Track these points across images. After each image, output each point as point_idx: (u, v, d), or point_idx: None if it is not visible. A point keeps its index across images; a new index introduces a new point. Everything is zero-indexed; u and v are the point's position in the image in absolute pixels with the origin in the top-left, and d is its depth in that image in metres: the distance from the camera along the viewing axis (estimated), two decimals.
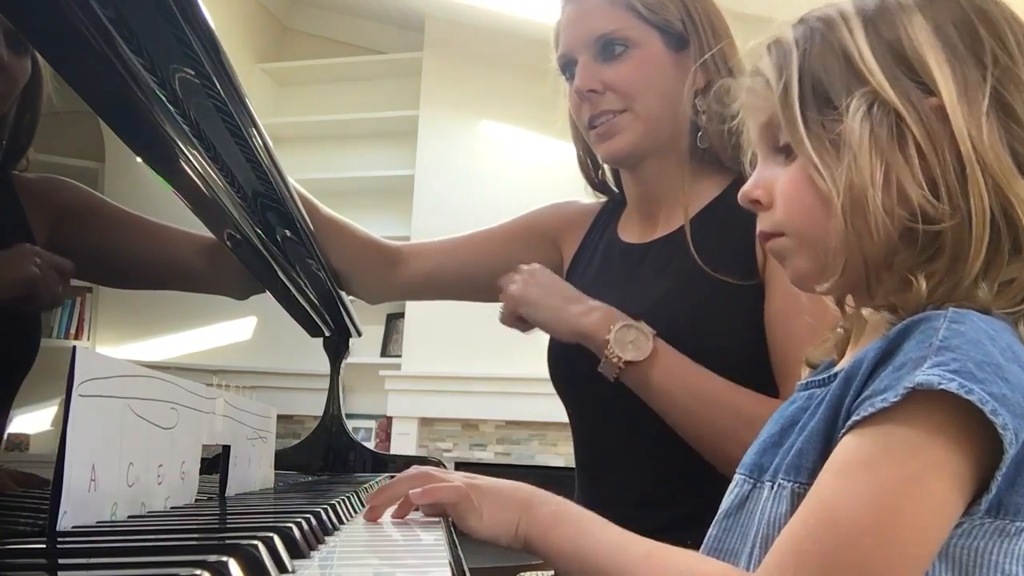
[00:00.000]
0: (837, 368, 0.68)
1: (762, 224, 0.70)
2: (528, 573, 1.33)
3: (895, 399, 0.54)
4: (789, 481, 0.63)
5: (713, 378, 1.00)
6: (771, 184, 0.69)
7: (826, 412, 0.61)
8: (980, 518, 0.56)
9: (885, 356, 0.58)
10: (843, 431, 0.58)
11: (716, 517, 0.71)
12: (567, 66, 1.17)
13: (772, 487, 0.65)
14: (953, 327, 0.56)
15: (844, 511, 0.54)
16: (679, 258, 1.08)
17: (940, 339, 0.55)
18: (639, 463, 1.10)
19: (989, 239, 0.60)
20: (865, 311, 0.67)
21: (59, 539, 0.54)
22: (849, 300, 0.70)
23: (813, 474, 0.60)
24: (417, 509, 0.78)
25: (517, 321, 1.13)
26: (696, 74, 1.09)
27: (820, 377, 0.69)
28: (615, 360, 1.00)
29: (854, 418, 0.57)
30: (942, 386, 0.53)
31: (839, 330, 0.71)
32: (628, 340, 1.01)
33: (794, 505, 0.61)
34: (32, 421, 0.68)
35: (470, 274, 1.36)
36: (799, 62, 0.66)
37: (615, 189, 1.28)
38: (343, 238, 1.34)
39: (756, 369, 1.01)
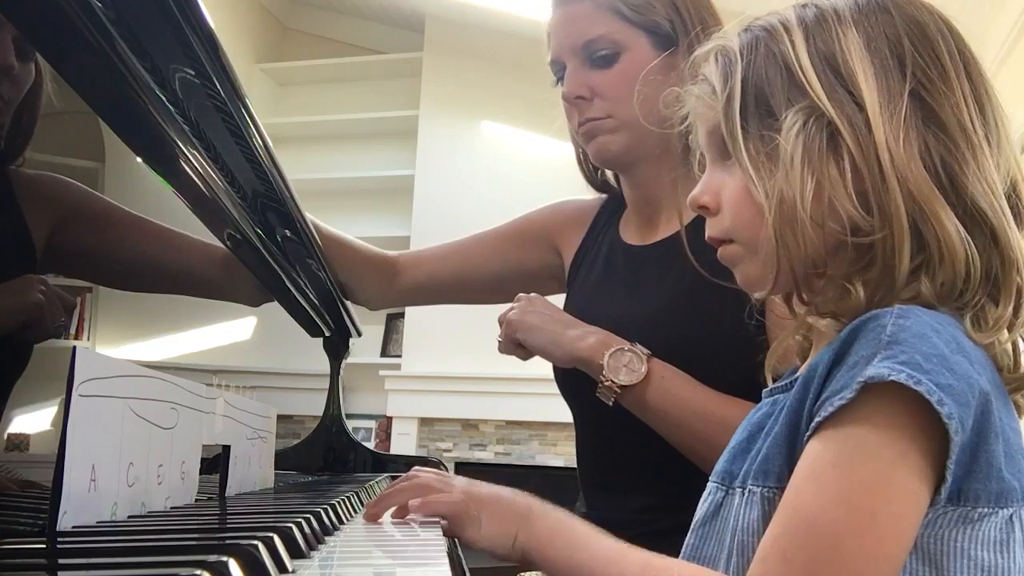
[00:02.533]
0: (798, 374, 0.68)
1: (711, 230, 0.71)
2: (528, 573, 1.33)
3: (851, 395, 0.56)
4: (758, 486, 0.64)
5: (708, 393, 1.01)
6: (718, 190, 0.70)
7: (788, 417, 0.62)
8: (943, 507, 0.57)
9: (839, 357, 0.59)
10: (807, 434, 0.59)
11: (692, 525, 0.72)
12: (557, 71, 1.17)
13: (743, 493, 0.65)
14: (900, 322, 0.58)
15: (823, 516, 0.55)
16: (680, 263, 1.08)
17: (888, 334, 0.57)
18: (643, 468, 1.10)
19: (916, 245, 0.61)
20: (811, 318, 0.68)
21: (59, 539, 0.54)
22: (797, 305, 0.71)
23: (780, 478, 0.61)
24: None
25: (516, 348, 1.14)
26: (685, 74, 1.08)
27: (783, 383, 0.70)
28: (610, 384, 1.02)
29: (816, 420, 0.58)
30: (892, 377, 0.54)
31: (798, 336, 0.72)
32: (622, 364, 1.02)
33: (764, 509, 0.62)
34: (32, 421, 0.68)
35: (465, 279, 1.37)
36: (743, 73, 0.68)
37: (616, 186, 1.28)
38: (345, 254, 1.38)
39: (760, 374, 1.01)
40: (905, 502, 0.55)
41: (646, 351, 1.02)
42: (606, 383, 1.02)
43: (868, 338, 0.58)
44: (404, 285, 1.39)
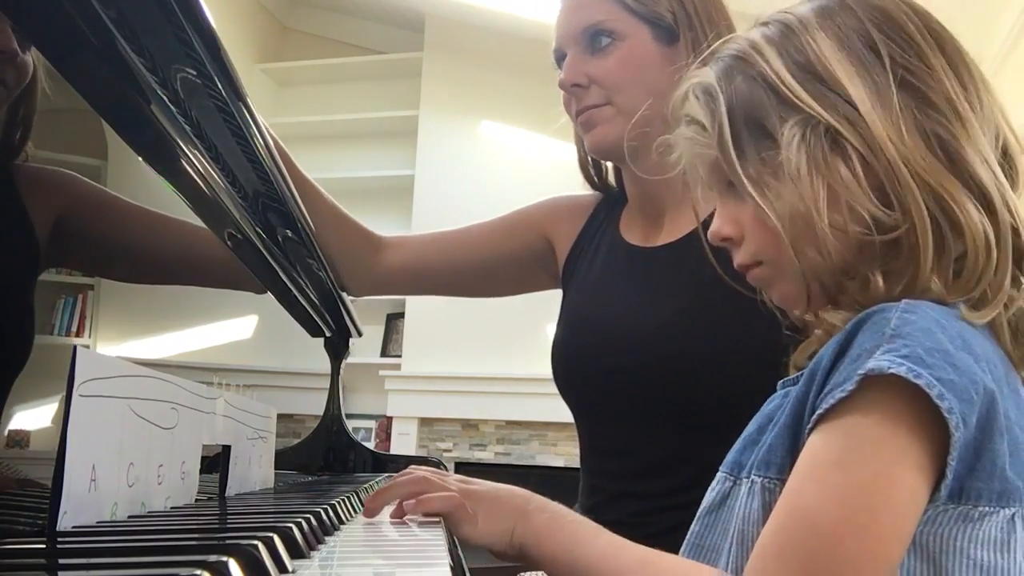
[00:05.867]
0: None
1: (739, 258, 0.72)
2: (528, 573, 1.33)
3: (851, 387, 0.56)
4: (760, 476, 0.64)
5: None
6: (737, 218, 0.71)
7: (792, 409, 0.63)
8: (943, 504, 0.57)
9: (842, 349, 0.59)
10: (809, 427, 0.59)
11: (698, 513, 0.72)
12: (559, 60, 1.16)
13: (747, 483, 0.66)
14: (904, 316, 0.57)
15: (822, 514, 0.55)
16: (690, 268, 1.06)
17: (892, 328, 0.57)
18: (645, 466, 1.10)
19: (934, 234, 0.61)
20: (826, 314, 0.68)
21: (59, 539, 0.54)
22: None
23: (781, 469, 0.61)
24: None
25: None
26: (690, 68, 1.07)
27: (796, 376, 0.70)
28: None
29: (818, 412, 0.58)
30: (892, 370, 0.54)
31: (819, 332, 0.71)
32: None
33: (764, 500, 0.62)
34: (32, 418, 0.68)
35: (454, 268, 1.34)
36: (727, 103, 0.68)
37: (615, 188, 1.27)
38: (335, 220, 1.33)
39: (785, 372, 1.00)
40: (904, 500, 0.55)
41: None
42: None
43: (872, 331, 0.58)
44: (389, 266, 1.34)
